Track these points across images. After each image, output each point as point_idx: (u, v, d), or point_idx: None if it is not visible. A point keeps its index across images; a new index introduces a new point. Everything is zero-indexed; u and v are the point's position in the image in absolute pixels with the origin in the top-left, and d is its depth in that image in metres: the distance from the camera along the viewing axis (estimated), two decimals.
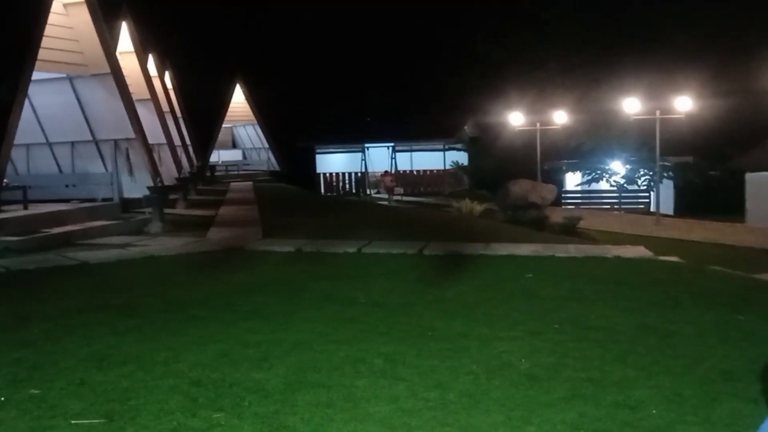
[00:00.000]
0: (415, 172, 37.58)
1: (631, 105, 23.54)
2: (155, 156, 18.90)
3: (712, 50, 27.30)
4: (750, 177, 25.59)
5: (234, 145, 46.06)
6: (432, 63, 37.94)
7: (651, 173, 28.39)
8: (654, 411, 3.90)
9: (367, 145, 38.36)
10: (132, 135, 16.78)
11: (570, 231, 18.21)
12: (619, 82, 26.73)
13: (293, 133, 38.72)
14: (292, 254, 9.78)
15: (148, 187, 14.57)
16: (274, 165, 41.35)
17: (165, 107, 24.78)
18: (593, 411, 3.91)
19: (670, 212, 27.21)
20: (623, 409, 3.94)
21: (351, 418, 3.87)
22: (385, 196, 32.01)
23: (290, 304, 6.59)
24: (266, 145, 42.03)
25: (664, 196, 26.30)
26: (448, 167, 37.32)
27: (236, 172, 37.52)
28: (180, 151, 25.18)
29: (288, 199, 23.81)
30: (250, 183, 30.07)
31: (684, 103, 22.44)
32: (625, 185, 31.26)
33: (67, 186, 16.09)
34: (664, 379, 4.40)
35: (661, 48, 28.33)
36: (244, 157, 44.94)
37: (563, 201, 30.67)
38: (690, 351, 4.97)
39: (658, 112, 21.61)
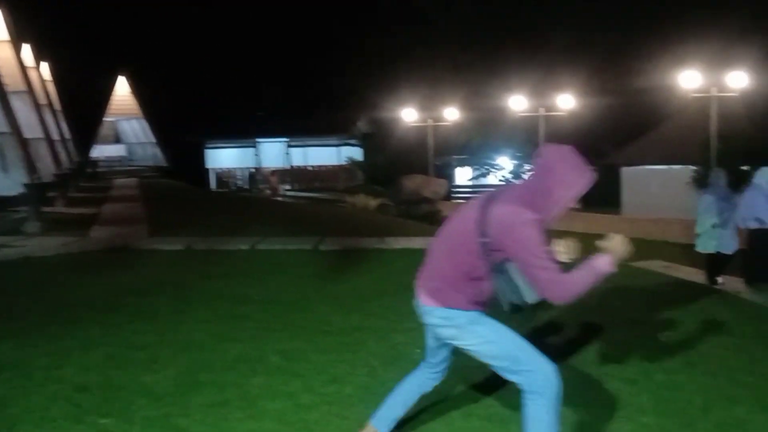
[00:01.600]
0: (309, 168, 37.38)
1: (517, 103, 24.46)
2: (31, 151, 17.95)
3: (590, 51, 28.83)
4: (625, 171, 27.24)
5: (117, 140, 44.20)
6: (326, 59, 37.93)
7: None
8: None
9: (259, 140, 37.74)
10: (5, 129, 15.91)
11: None
12: (504, 80, 27.71)
13: (182, 127, 37.61)
14: (182, 252, 9.49)
15: (24, 184, 13.73)
16: (161, 160, 40.04)
17: (42, 100, 23.57)
18: (485, 397, 4.04)
19: None
20: (516, 394, 4.08)
21: (247, 417, 3.81)
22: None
23: (180, 304, 6.39)
24: (153, 140, 40.60)
25: None
26: (343, 163, 37.39)
27: (120, 168, 36.08)
28: (58, 146, 24.01)
29: (176, 195, 23.10)
30: (136, 179, 28.99)
31: (566, 101, 23.57)
32: (512, 180, 32.45)
33: None
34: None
35: (543, 48, 29.63)
36: (129, 152, 43.23)
37: (454, 195, 31.48)
38: (569, 336, 5.23)
39: (541, 110, 22.57)
